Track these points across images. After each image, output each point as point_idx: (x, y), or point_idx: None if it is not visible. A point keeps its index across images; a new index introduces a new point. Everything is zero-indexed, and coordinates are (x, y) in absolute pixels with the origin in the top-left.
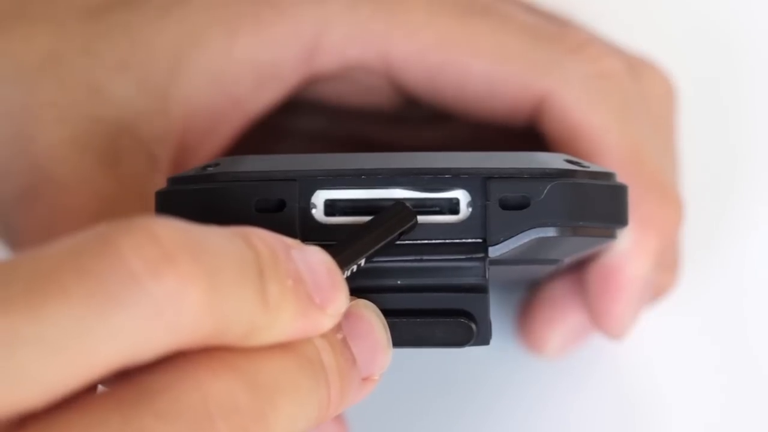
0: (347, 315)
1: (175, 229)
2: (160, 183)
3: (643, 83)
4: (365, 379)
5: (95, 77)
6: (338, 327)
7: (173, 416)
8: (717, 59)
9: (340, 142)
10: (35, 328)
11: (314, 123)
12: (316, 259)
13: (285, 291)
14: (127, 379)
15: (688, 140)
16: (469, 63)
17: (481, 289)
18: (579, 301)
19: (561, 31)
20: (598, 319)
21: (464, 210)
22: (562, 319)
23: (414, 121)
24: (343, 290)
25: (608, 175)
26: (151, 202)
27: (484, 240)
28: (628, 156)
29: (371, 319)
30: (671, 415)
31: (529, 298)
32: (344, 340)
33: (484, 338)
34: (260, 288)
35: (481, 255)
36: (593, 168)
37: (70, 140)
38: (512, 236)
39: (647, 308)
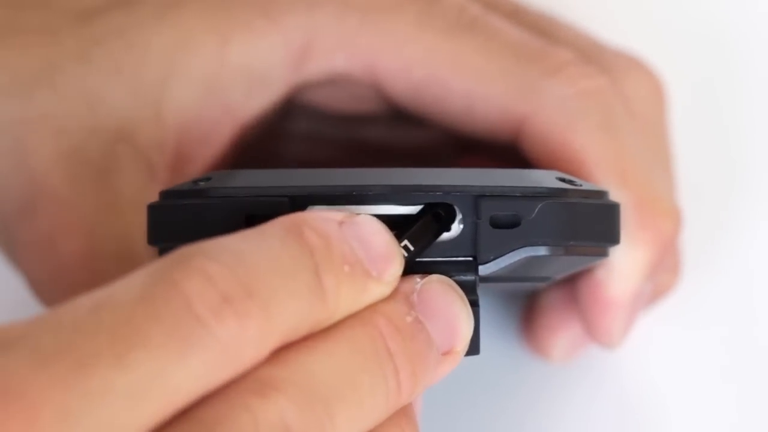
0: (420, 292)
1: (225, 265)
2: (158, 193)
3: (628, 87)
4: (446, 354)
5: (91, 85)
6: (409, 307)
7: None
8: (715, 58)
9: (332, 145)
10: (125, 378)
11: (306, 126)
12: (368, 230)
13: (341, 280)
14: (184, 415)
15: (687, 140)
16: (450, 81)
17: (472, 305)
18: (578, 310)
19: (543, 50)
20: (590, 331)
21: (455, 228)
22: (564, 327)
23: (406, 124)
24: (399, 254)
25: (600, 194)
26: None
27: (475, 258)
28: (614, 173)
29: (445, 292)
30: (675, 419)
31: (530, 304)
32: (416, 321)
33: (474, 348)
34: (316, 285)
35: (471, 275)
36: (585, 186)
37: (67, 152)
38: (502, 255)
39: (648, 310)
